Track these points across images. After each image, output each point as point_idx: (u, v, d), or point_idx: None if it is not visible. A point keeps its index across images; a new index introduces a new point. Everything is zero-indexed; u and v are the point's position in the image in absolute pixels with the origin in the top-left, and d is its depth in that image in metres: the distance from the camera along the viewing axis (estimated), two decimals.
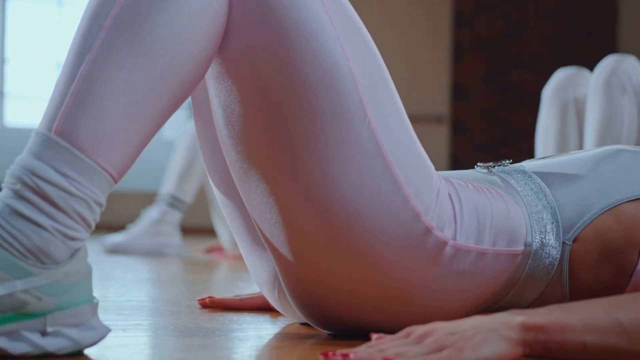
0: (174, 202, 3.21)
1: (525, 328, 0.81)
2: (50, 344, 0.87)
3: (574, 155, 1.16)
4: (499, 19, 6.88)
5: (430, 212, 1.01)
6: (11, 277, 0.85)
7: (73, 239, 0.88)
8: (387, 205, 0.99)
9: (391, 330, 1.00)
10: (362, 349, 0.80)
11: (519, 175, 1.12)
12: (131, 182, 6.08)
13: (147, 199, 5.47)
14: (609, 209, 1.08)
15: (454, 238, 1.03)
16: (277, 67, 0.96)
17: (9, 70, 6.30)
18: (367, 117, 0.98)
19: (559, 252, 1.07)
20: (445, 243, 1.02)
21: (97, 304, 0.92)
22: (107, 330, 0.92)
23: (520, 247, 1.06)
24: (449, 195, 1.05)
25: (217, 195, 1.21)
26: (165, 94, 0.93)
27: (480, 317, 0.83)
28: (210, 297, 1.41)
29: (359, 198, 0.99)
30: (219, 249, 3.37)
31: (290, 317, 1.22)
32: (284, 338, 1.12)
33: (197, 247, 3.49)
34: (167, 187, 3.27)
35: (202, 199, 4.46)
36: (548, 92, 2.64)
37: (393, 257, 1.01)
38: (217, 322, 1.22)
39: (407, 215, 1.00)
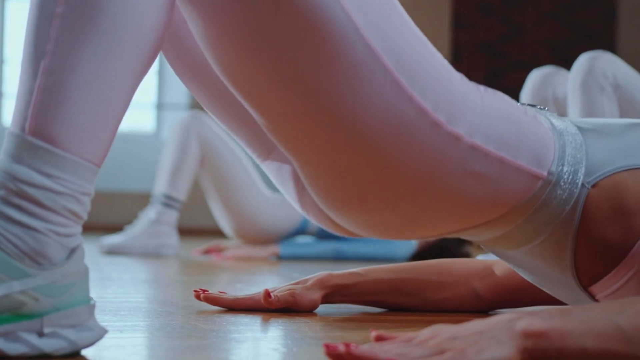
0: (169, 201, 3.20)
1: (526, 335, 0.81)
2: (47, 345, 0.87)
3: (603, 119, 1.17)
4: (498, 22, 6.88)
5: (440, 107, 1.00)
6: (8, 278, 0.85)
7: (67, 235, 0.88)
8: (392, 107, 0.99)
9: (403, 227, 1.02)
10: (365, 347, 0.81)
11: (554, 115, 1.13)
12: (130, 182, 6.07)
13: (146, 199, 5.46)
14: (631, 169, 1.08)
15: (471, 136, 1.02)
16: None
17: (9, 70, 6.30)
18: (356, 26, 0.97)
19: (577, 192, 1.06)
20: (458, 138, 1.01)
21: (94, 305, 0.92)
22: (104, 331, 0.92)
23: (543, 171, 1.05)
24: (476, 95, 1.04)
25: (221, 121, 1.21)
26: (132, 69, 0.91)
27: (482, 322, 0.84)
28: (204, 291, 1.40)
29: (365, 109, 0.98)
30: (217, 250, 3.38)
31: (312, 218, 1.21)
32: (281, 340, 1.12)
33: (195, 249, 3.49)
34: (160, 187, 3.26)
35: (199, 200, 4.46)
36: (525, 93, 2.64)
37: (404, 154, 1.00)
38: (215, 324, 1.22)
39: (413, 113, 0.99)
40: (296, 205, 1.20)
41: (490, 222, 1.07)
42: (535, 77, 2.64)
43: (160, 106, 6.51)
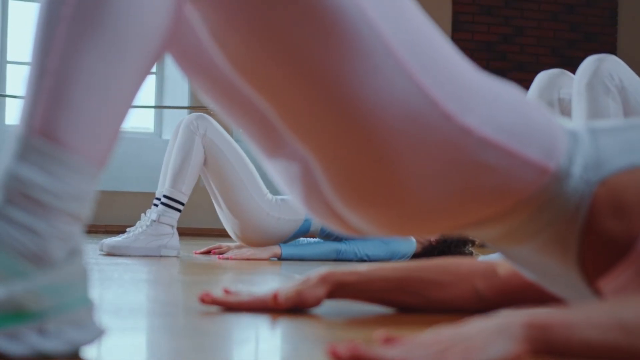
0: (170, 202, 3.20)
1: (529, 326, 0.81)
2: (48, 345, 0.86)
3: (607, 121, 1.16)
4: (498, 23, 6.88)
5: (452, 98, 0.99)
6: (9, 278, 0.85)
7: (68, 236, 0.88)
8: (404, 98, 0.97)
9: (412, 222, 1.02)
10: (369, 349, 0.81)
11: (566, 118, 1.13)
12: (129, 183, 6.07)
13: (145, 199, 5.46)
14: (633, 167, 1.06)
15: (482, 127, 1.00)
16: None
17: (10, 69, 6.30)
18: (368, 17, 0.96)
19: (584, 188, 1.05)
20: (469, 130, 0.99)
21: (94, 305, 0.92)
22: (104, 331, 0.92)
23: (552, 165, 1.03)
24: (488, 86, 1.03)
25: (229, 117, 1.19)
26: (137, 69, 0.91)
27: (484, 320, 0.84)
28: (211, 297, 1.39)
29: (377, 99, 0.97)
30: (218, 251, 3.38)
31: (317, 218, 1.19)
32: (282, 340, 1.12)
33: (196, 249, 3.49)
34: (162, 188, 3.26)
35: (201, 201, 4.46)
36: (531, 94, 2.65)
37: (416, 146, 0.99)
38: (216, 324, 1.22)
39: (424, 104, 0.98)
40: (302, 205, 1.19)
41: (499, 216, 1.06)
42: (541, 79, 2.64)
43: (159, 106, 6.51)
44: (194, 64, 1.16)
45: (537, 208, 1.06)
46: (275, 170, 1.19)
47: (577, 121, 2.43)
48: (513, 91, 1.06)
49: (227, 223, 3.34)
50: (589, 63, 2.44)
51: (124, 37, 0.90)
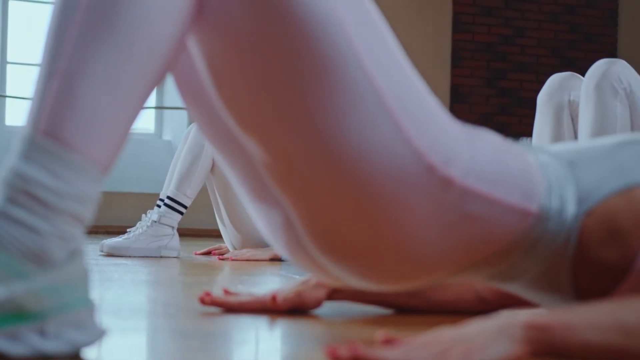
0: (173, 204, 3.20)
1: (529, 327, 0.82)
2: (49, 346, 0.87)
3: (592, 142, 1.16)
4: (498, 24, 6.89)
5: (435, 150, 0.99)
6: (10, 279, 0.85)
7: (69, 237, 0.88)
8: (390, 148, 0.97)
9: (396, 274, 1.01)
10: (370, 350, 0.81)
11: (540, 149, 1.12)
12: (130, 183, 6.07)
13: (146, 200, 5.46)
14: (622, 190, 1.07)
15: (464, 178, 1.00)
16: (257, 22, 0.94)
17: (10, 69, 6.30)
18: (362, 63, 0.96)
19: (570, 223, 1.05)
20: (451, 181, 1.00)
21: (95, 306, 0.92)
22: (105, 332, 0.92)
23: (533, 207, 1.04)
24: (466, 137, 1.03)
25: (219, 157, 1.19)
26: (145, 76, 0.92)
27: (483, 321, 0.84)
28: (210, 295, 1.39)
29: (363, 148, 0.97)
30: (218, 252, 3.38)
31: (300, 267, 1.18)
32: (283, 341, 1.12)
33: (195, 250, 3.49)
34: (167, 189, 3.27)
35: (202, 202, 4.47)
36: (542, 96, 2.65)
37: (399, 199, 0.98)
38: (216, 325, 1.22)
39: (409, 154, 0.98)
40: (285, 253, 1.18)
41: (485, 261, 1.07)
42: (552, 81, 2.65)
43: (160, 107, 6.52)
44: (191, 91, 1.16)
45: (523, 249, 1.06)
46: (258, 216, 1.19)
47: (583, 126, 2.43)
48: (489, 137, 1.06)
49: (227, 236, 3.35)
50: (598, 66, 2.45)
51: (133, 44, 0.90)
